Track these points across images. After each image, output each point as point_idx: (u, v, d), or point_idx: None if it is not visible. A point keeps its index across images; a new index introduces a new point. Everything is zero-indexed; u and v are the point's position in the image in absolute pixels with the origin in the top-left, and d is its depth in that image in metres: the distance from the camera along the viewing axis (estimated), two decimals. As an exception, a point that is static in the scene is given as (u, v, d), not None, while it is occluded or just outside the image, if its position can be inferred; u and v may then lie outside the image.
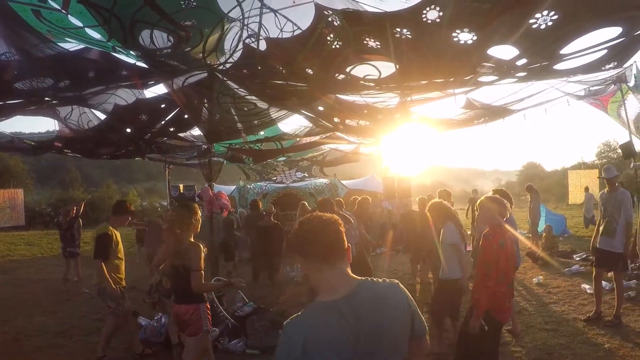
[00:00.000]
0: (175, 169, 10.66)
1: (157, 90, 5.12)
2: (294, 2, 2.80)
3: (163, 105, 5.08)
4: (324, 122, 5.53)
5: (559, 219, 11.54)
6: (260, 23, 2.99)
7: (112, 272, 3.79)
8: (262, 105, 4.91)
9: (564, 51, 2.73)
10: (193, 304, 2.87)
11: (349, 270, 1.22)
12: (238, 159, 8.94)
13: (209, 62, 3.46)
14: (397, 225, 6.71)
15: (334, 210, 5.87)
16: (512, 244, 2.54)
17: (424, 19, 2.38)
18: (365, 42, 2.79)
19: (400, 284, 1.26)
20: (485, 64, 3.01)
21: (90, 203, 18.84)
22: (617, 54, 2.84)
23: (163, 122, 5.57)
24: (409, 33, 2.57)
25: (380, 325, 1.15)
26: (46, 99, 4.43)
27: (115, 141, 6.27)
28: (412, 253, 6.02)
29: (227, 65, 3.58)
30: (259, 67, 3.63)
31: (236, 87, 4.41)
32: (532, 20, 2.29)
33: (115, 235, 3.88)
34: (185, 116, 5.30)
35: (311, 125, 6.06)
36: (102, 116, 5.33)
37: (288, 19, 2.98)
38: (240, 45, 3.20)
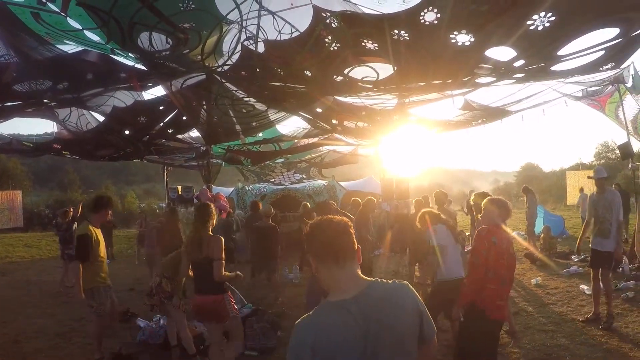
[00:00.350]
0: (174, 170, 10.66)
1: (156, 92, 5.13)
2: (292, 4, 2.81)
3: (161, 107, 5.09)
4: (322, 123, 5.55)
5: (557, 219, 11.56)
6: (258, 25, 2.99)
7: (94, 272, 3.66)
8: (261, 107, 4.92)
9: (561, 52, 2.75)
10: (219, 294, 3.11)
11: (359, 272, 1.25)
12: (236, 161, 8.95)
13: (207, 64, 3.46)
14: (394, 226, 6.73)
15: (333, 212, 5.86)
16: (508, 243, 2.54)
17: (422, 21, 2.40)
18: (363, 44, 2.81)
19: (409, 285, 1.27)
20: (483, 65, 3.03)
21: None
22: (615, 54, 2.86)
23: (161, 124, 5.58)
24: (406, 35, 2.59)
25: (388, 324, 1.16)
26: (45, 100, 4.43)
27: (114, 143, 6.27)
28: (411, 255, 6.03)
29: (226, 67, 3.59)
30: (258, 69, 3.64)
31: (234, 89, 4.42)
32: (529, 22, 2.31)
33: (96, 234, 3.72)
34: (184, 118, 5.31)
35: (309, 127, 6.08)
36: (101, 118, 5.33)
37: (286, 21, 2.99)
38: (239, 47, 3.20)
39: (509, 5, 2.20)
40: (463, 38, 2.53)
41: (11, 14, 2.68)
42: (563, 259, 7.80)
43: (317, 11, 2.61)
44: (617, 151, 7.06)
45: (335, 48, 2.92)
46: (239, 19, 2.86)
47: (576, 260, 7.56)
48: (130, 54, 3.32)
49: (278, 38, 3.04)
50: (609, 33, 2.52)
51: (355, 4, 2.53)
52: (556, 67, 3.13)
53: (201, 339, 4.14)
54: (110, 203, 4.01)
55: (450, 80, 3.54)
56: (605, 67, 3.21)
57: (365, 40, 2.78)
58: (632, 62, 5.41)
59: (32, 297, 6.84)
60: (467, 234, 8.05)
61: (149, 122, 5.40)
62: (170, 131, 5.97)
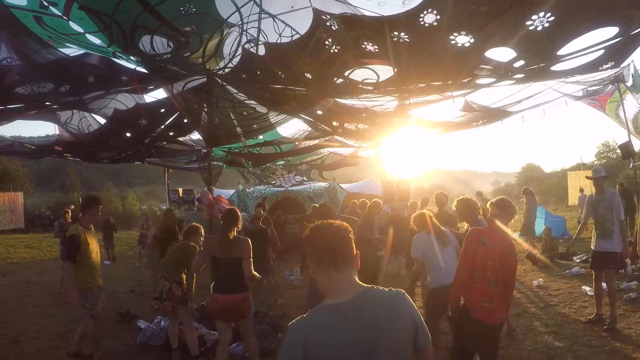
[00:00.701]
0: (175, 172, 10.67)
1: (157, 95, 5.14)
2: (292, 7, 2.83)
3: (163, 110, 5.11)
4: (323, 125, 5.56)
5: (559, 220, 11.54)
6: (259, 28, 3.01)
7: (86, 272, 3.63)
8: (261, 109, 4.93)
9: (561, 52, 2.75)
10: (245, 292, 3.33)
11: (357, 277, 1.26)
12: (237, 163, 8.96)
13: (208, 67, 3.48)
14: (389, 228, 6.75)
15: (332, 215, 5.88)
16: (504, 246, 2.47)
17: (422, 23, 2.40)
18: (363, 46, 2.81)
19: (406, 294, 1.28)
20: (483, 66, 3.03)
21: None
22: (614, 53, 2.86)
23: (163, 127, 5.60)
24: (406, 37, 2.59)
25: (383, 330, 1.16)
26: (47, 103, 4.45)
27: (115, 145, 6.29)
28: (407, 258, 6.05)
29: (227, 70, 3.60)
30: (258, 72, 3.65)
31: (235, 91, 4.44)
32: (528, 22, 2.31)
33: (85, 235, 3.67)
34: (185, 120, 5.32)
35: (310, 129, 6.09)
36: (102, 120, 5.35)
37: (286, 24, 3.01)
38: (240, 50, 3.22)
39: (508, 6, 2.21)
40: (463, 39, 2.54)
41: (14, 17, 2.70)
42: (565, 260, 7.78)
43: (317, 14, 2.62)
44: (618, 151, 7.05)
45: (336, 50, 2.93)
46: (240, 22, 2.88)
47: (578, 261, 7.55)
48: (131, 57, 3.33)
49: (278, 41, 3.05)
50: (608, 32, 2.52)
51: (355, 7, 2.54)
52: (556, 67, 3.13)
53: (202, 340, 4.15)
54: (98, 202, 3.97)
55: (450, 82, 3.54)
56: (605, 67, 3.20)
57: (365, 43, 2.79)
58: (632, 61, 5.37)
59: (32, 298, 6.86)
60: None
61: (150, 124, 5.41)
62: (171, 134, 5.98)
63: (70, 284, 3.67)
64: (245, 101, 4.67)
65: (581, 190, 13.72)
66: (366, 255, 5.96)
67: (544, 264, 7.55)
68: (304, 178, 12.62)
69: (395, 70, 3.13)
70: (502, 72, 3.21)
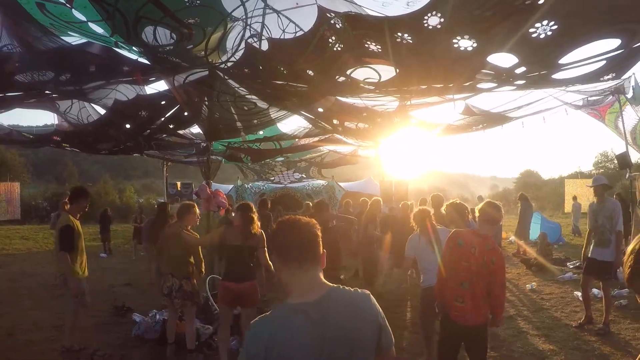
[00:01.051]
0: (173, 166, 10.65)
1: (158, 86, 5.12)
2: (297, 3, 2.83)
3: (163, 102, 5.09)
4: (323, 123, 5.56)
5: (555, 227, 11.64)
6: (263, 23, 3.01)
7: (76, 262, 3.70)
8: (262, 104, 4.93)
9: (562, 61, 2.76)
10: (254, 279, 3.53)
11: (322, 276, 1.23)
12: (236, 158, 8.95)
13: (210, 60, 3.48)
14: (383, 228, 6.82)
15: (329, 213, 5.90)
16: (482, 250, 2.49)
17: (425, 25, 2.41)
18: (366, 45, 2.82)
19: (371, 295, 1.26)
20: (484, 70, 3.04)
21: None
22: (616, 65, 2.88)
23: (163, 119, 5.58)
24: (409, 38, 2.60)
25: (346, 331, 1.15)
26: (47, 92, 4.42)
27: (114, 136, 6.26)
28: (393, 258, 6.12)
29: (229, 64, 3.60)
30: (260, 67, 3.65)
31: (237, 86, 4.43)
32: (531, 30, 2.33)
33: (77, 226, 3.78)
34: (185, 113, 5.31)
35: (310, 126, 6.09)
36: (102, 111, 5.32)
37: (291, 20, 3.01)
38: (243, 45, 3.22)
39: (511, 11, 2.22)
40: (466, 43, 2.55)
41: (16, 3, 2.68)
42: (559, 265, 7.84)
43: (322, 11, 2.62)
44: (616, 161, 7.10)
45: (339, 48, 2.93)
46: (244, 17, 2.88)
47: (571, 267, 7.61)
48: (134, 48, 3.32)
49: (282, 37, 3.05)
50: (610, 44, 2.54)
51: (360, 6, 2.55)
52: (557, 75, 3.15)
53: (197, 334, 4.15)
54: (86, 193, 4.08)
55: (451, 85, 3.55)
56: (606, 77, 3.22)
57: (368, 42, 2.79)
58: (633, 74, 5.42)
59: (28, 290, 6.84)
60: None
61: (150, 116, 5.40)
62: (171, 126, 5.97)
63: (69, 273, 3.68)
64: (247, 96, 4.66)
65: (574, 199, 13.80)
66: (370, 252, 6.04)
67: (538, 268, 7.61)
68: (303, 175, 12.63)
69: (397, 70, 3.14)
70: (504, 77, 3.22)
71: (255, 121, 5.59)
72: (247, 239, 3.46)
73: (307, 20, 2.78)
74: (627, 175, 6.20)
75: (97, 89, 4.52)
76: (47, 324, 4.95)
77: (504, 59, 2.77)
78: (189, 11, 2.68)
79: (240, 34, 3.10)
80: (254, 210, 3.65)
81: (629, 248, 0.94)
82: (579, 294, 5.57)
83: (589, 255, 4.48)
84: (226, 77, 4.11)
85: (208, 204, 5.47)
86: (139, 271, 8.11)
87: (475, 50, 2.61)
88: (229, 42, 3.28)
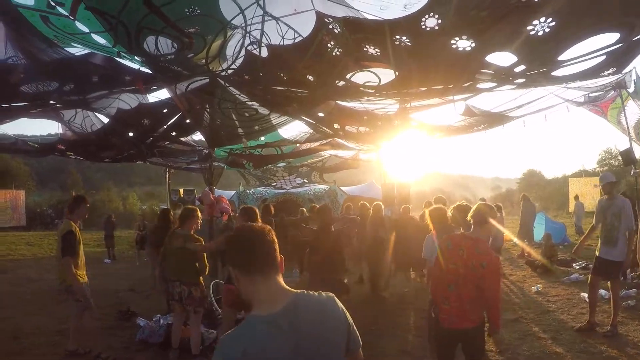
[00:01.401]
0: (176, 173, 10.71)
1: (160, 95, 5.17)
2: (295, 10, 2.86)
3: (165, 110, 5.15)
4: (324, 128, 5.58)
5: (559, 227, 11.50)
6: (262, 30, 3.04)
7: (77, 268, 3.75)
8: (263, 111, 4.97)
9: (562, 57, 2.75)
10: None
11: (282, 281, 1.21)
12: (238, 164, 8.99)
13: (211, 68, 3.51)
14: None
15: (332, 217, 5.90)
16: (471, 253, 2.47)
17: (423, 27, 2.43)
18: (365, 49, 2.84)
19: (335, 297, 1.25)
20: (484, 70, 3.05)
21: (90, 205, 18.92)
22: (616, 59, 2.86)
23: (165, 127, 5.63)
24: (408, 40, 2.62)
25: (319, 337, 1.14)
26: (51, 102, 4.49)
27: (118, 145, 6.33)
28: (393, 261, 6.12)
29: (229, 72, 3.64)
30: (261, 74, 3.68)
31: (238, 92, 4.47)
32: (529, 27, 2.33)
33: (78, 232, 3.86)
34: (187, 121, 5.36)
35: (311, 131, 6.12)
36: (106, 120, 5.39)
37: (289, 27, 3.04)
38: (243, 52, 3.25)
39: (509, 10, 2.24)
40: (464, 44, 2.56)
41: (21, 16, 2.74)
42: (564, 266, 7.76)
43: (320, 17, 2.65)
44: (620, 158, 7.04)
45: (338, 53, 2.96)
46: (243, 24, 2.91)
47: (577, 268, 7.53)
48: (136, 57, 3.37)
49: (281, 43, 3.08)
50: (610, 38, 2.53)
51: (358, 10, 2.57)
52: (557, 73, 3.14)
53: (201, 339, 4.15)
54: (85, 200, 4.17)
55: (451, 86, 3.56)
56: (606, 72, 3.20)
57: (367, 46, 2.81)
58: (634, 67, 5.22)
59: (32, 295, 6.89)
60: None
61: (153, 124, 5.45)
62: (173, 134, 6.02)
63: (73, 278, 3.72)
64: (248, 102, 4.70)
65: (576, 198, 13.67)
66: (379, 254, 6.03)
67: (544, 270, 7.53)
68: (305, 180, 12.65)
69: (397, 73, 3.16)
70: (503, 76, 3.22)
71: (256, 127, 5.63)
72: None
73: (305, 26, 2.81)
74: (632, 172, 6.13)
75: (101, 99, 4.58)
76: (51, 328, 4.97)
77: (503, 58, 2.77)
78: (189, 20, 2.72)
79: (240, 42, 3.14)
80: (258, 215, 3.62)
81: None
82: (586, 295, 5.49)
83: (598, 253, 4.36)
84: (227, 85, 4.15)
85: (211, 210, 5.49)
86: (142, 277, 8.14)
87: (473, 50, 2.62)
88: (229, 50, 3.32)
